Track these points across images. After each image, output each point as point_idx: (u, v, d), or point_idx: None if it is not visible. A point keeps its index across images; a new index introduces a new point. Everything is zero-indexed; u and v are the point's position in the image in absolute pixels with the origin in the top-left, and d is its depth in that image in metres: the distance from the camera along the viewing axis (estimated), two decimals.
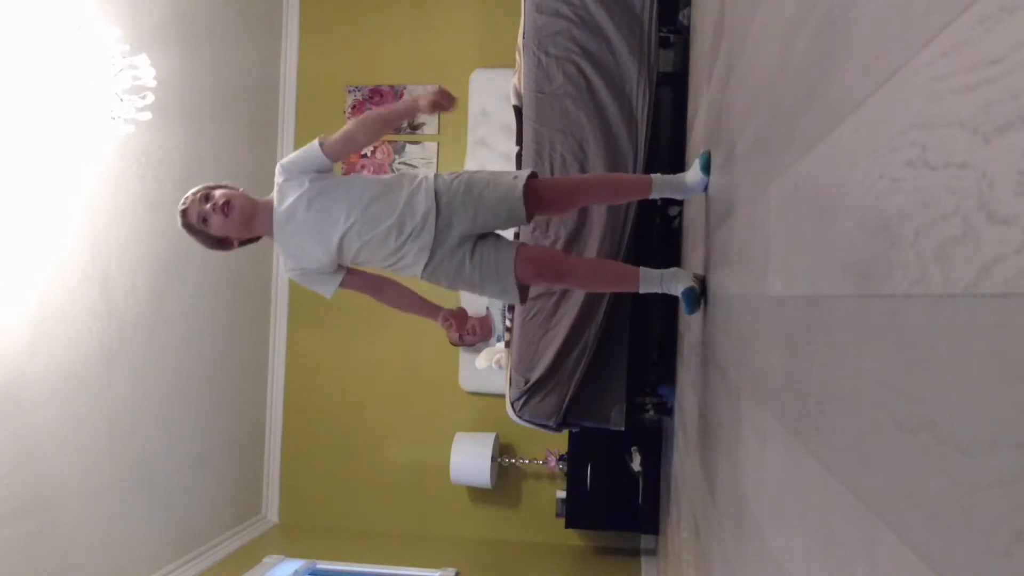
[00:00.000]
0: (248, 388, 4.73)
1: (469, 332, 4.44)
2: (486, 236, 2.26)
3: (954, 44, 0.50)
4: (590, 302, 3.24)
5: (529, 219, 2.24)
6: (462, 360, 4.70)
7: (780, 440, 0.95)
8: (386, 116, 2.25)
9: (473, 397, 4.74)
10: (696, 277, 2.21)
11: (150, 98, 3.16)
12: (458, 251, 2.21)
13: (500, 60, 4.62)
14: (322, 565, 4.24)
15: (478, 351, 4.21)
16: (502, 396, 3.69)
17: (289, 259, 2.31)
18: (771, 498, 1.00)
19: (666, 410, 3.49)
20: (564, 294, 3.27)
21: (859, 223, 0.68)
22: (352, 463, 4.86)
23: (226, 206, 2.17)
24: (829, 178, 0.79)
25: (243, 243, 2.32)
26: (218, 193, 2.20)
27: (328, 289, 2.35)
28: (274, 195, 2.26)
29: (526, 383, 3.30)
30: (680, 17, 3.42)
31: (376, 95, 4.85)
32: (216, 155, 4.25)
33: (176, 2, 3.86)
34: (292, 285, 4.96)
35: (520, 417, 3.37)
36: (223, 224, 2.19)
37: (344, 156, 2.37)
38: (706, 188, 2.18)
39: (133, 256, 3.58)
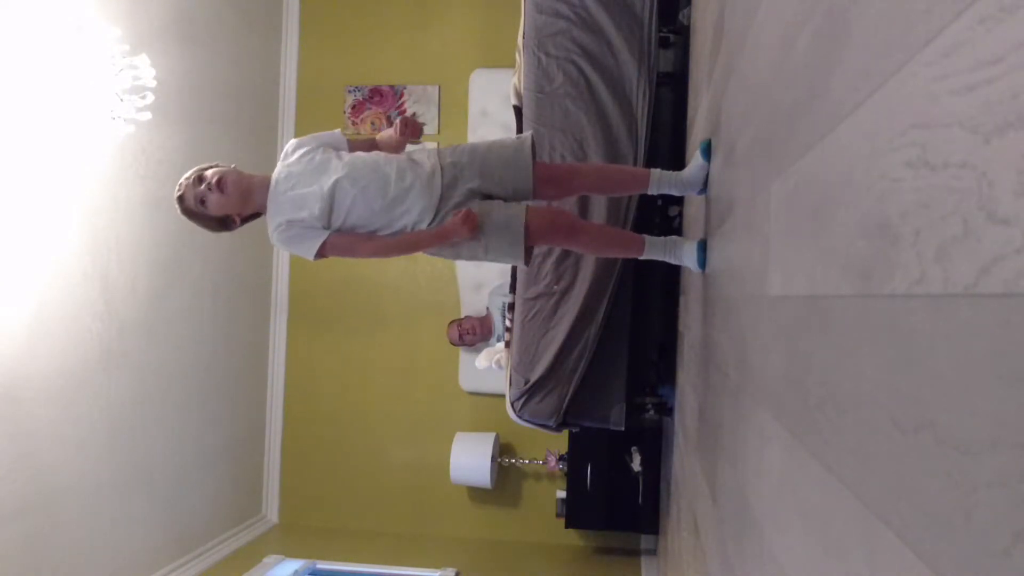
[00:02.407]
0: (248, 388, 4.73)
1: (469, 332, 4.44)
2: (492, 198, 2.23)
3: (954, 44, 0.50)
4: (590, 302, 3.24)
5: (535, 193, 2.23)
6: (462, 360, 4.70)
7: (780, 440, 0.95)
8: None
9: (473, 397, 4.74)
10: (700, 241, 2.21)
11: (150, 98, 3.16)
12: (463, 206, 2.16)
13: (500, 60, 4.62)
14: (322, 565, 4.24)
15: (478, 351, 4.21)
16: (502, 396, 3.69)
17: (277, 215, 2.19)
18: (771, 498, 1.00)
19: (666, 410, 3.49)
20: (564, 294, 3.27)
21: (859, 223, 0.68)
22: (352, 463, 4.86)
23: (220, 183, 2.17)
24: (829, 178, 0.79)
25: (245, 220, 2.29)
26: (210, 172, 2.20)
27: (311, 247, 2.17)
28: (277, 165, 2.25)
29: (526, 383, 3.30)
30: (680, 17, 3.42)
31: (376, 95, 4.85)
32: (216, 155, 4.25)
33: (176, 2, 3.86)
34: (292, 285, 4.96)
35: (520, 417, 3.37)
36: (221, 201, 2.18)
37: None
38: (706, 183, 2.17)
39: (133, 256, 3.58)
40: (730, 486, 1.39)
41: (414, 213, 2.15)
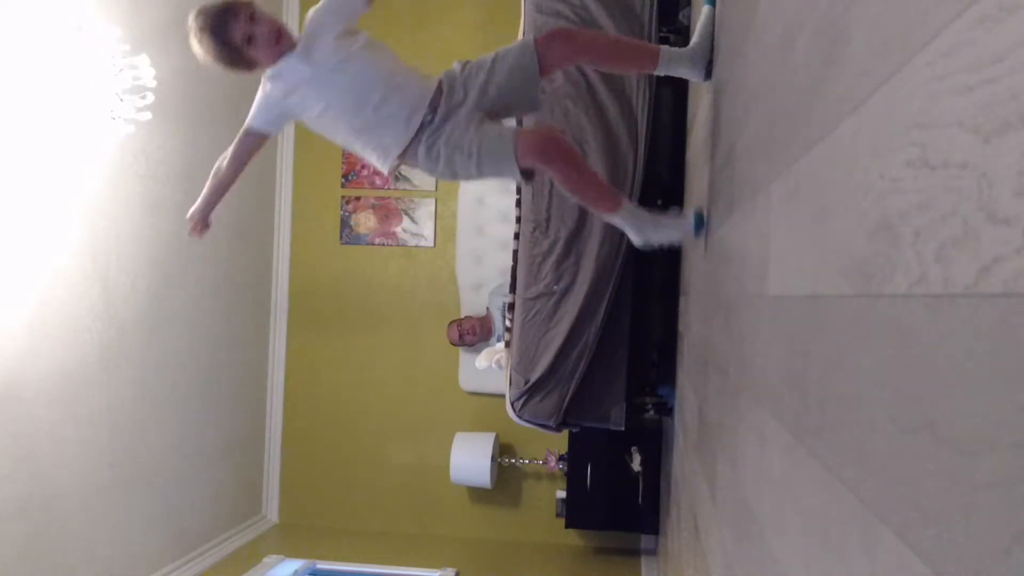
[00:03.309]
0: (248, 388, 4.73)
1: (469, 332, 4.44)
2: (493, 119, 2.21)
3: (954, 44, 0.50)
4: (590, 302, 3.24)
5: (542, 62, 2.17)
6: (462, 360, 4.70)
7: (780, 440, 0.95)
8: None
9: (473, 397, 4.74)
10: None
11: (150, 98, 3.16)
12: (462, 120, 2.14)
13: None
14: (322, 565, 4.24)
15: (478, 351, 4.21)
16: (502, 396, 3.69)
17: (278, 81, 2.18)
18: (771, 498, 1.00)
19: (666, 410, 3.49)
20: (564, 294, 3.27)
21: (859, 223, 0.68)
22: (352, 463, 4.86)
23: (279, 35, 2.11)
24: (829, 178, 0.79)
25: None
26: (267, 17, 2.12)
27: (265, 120, 2.24)
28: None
29: (526, 383, 3.30)
30: (680, 17, 3.42)
31: None
32: (216, 155, 4.25)
33: (176, 2, 3.86)
34: (292, 285, 4.97)
35: (520, 417, 3.37)
36: (268, 53, 2.12)
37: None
38: (711, 65, 2.13)
39: (133, 256, 3.58)
40: (730, 486, 1.39)
41: (405, 111, 2.14)
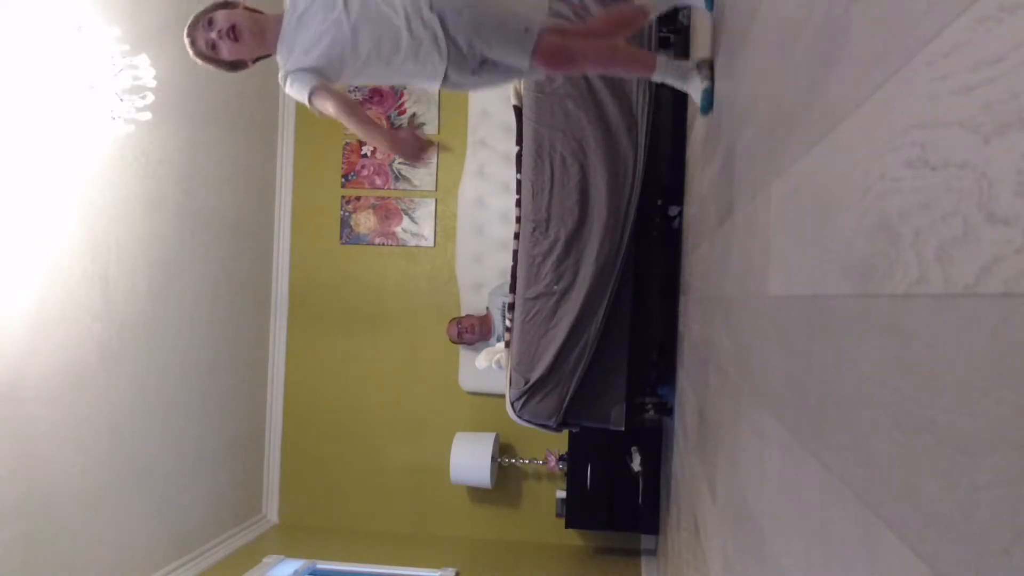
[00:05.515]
0: (248, 388, 4.73)
1: (468, 331, 4.44)
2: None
3: (954, 44, 0.50)
4: (590, 302, 3.24)
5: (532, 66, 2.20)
6: (462, 360, 4.70)
7: (780, 440, 0.95)
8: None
9: (473, 397, 4.74)
10: (708, 66, 2.17)
11: (150, 98, 3.16)
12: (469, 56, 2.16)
13: None
14: (322, 565, 4.24)
15: (478, 351, 4.21)
16: (502, 396, 3.69)
17: (289, 59, 2.21)
18: (771, 498, 1.00)
19: (666, 410, 3.49)
20: (564, 294, 3.27)
21: (859, 223, 0.68)
22: (352, 463, 4.86)
23: (232, 31, 2.17)
24: (829, 178, 0.79)
25: (256, 61, 2.31)
26: (220, 17, 2.18)
27: (305, 88, 2.19)
28: (286, 5, 2.23)
29: (526, 383, 3.30)
30: (680, 17, 3.42)
31: (376, 95, 4.85)
32: (216, 155, 4.25)
33: (176, 2, 3.86)
34: (292, 285, 4.97)
35: (520, 417, 3.37)
36: (234, 49, 2.19)
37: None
38: (712, 69, 2.14)
39: (133, 256, 3.58)
40: (730, 486, 1.39)
41: (427, 70, 2.16)
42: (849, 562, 0.66)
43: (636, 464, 3.94)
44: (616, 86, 3.24)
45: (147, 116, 3.21)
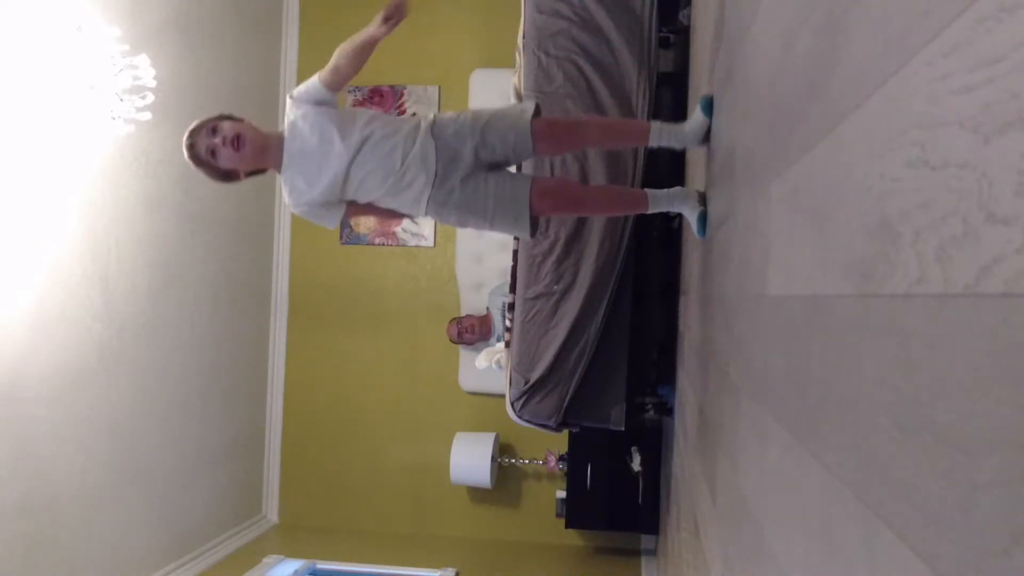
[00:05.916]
0: (248, 388, 4.73)
1: (468, 331, 4.44)
2: (498, 170, 2.30)
3: (954, 44, 0.50)
4: (590, 302, 3.24)
5: (534, 150, 2.27)
6: (462, 360, 4.70)
7: (780, 440, 0.95)
8: (355, 45, 2.22)
9: (473, 397, 4.74)
10: (700, 195, 2.24)
11: (150, 98, 3.16)
12: (470, 180, 2.24)
13: (500, 60, 4.62)
14: (322, 565, 4.24)
15: (478, 351, 4.21)
16: (502, 396, 3.69)
17: (294, 193, 2.31)
18: (771, 498, 1.00)
19: (666, 410, 3.49)
20: (564, 294, 3.27)
21: (859, 223, 0.68)
22: (352, 463, 4.86)
23: (237, 140, 2.19)
24: (829, 178, 0.79)
25: (249, 175, 2.33)
26: (227, 126, 2.21)
27: (333, 220, 2.38)
28: (285, 128, 2.28)
29: (526, 383, 3.30)
30: (680, 17, 3.42)
31: (376, 95, 4.85)
32: None
33: (176, 2, 3.86)
34: (292, 285, 4.97)
35: (520, 417, 3.37)
36: (234, 158, 2.21)
37: (339, 85, 2.31)
38: (708, 134, 2.16)
39: (133, 256, 3.58)
40: (730, 486, 1.39)
41: (416, 186, 2.24)
42: (849, 562, 0.66)
43: (636, 464, 3.94)
44: (616, 87, 3.24)
45: (147, 116, 3.21)
